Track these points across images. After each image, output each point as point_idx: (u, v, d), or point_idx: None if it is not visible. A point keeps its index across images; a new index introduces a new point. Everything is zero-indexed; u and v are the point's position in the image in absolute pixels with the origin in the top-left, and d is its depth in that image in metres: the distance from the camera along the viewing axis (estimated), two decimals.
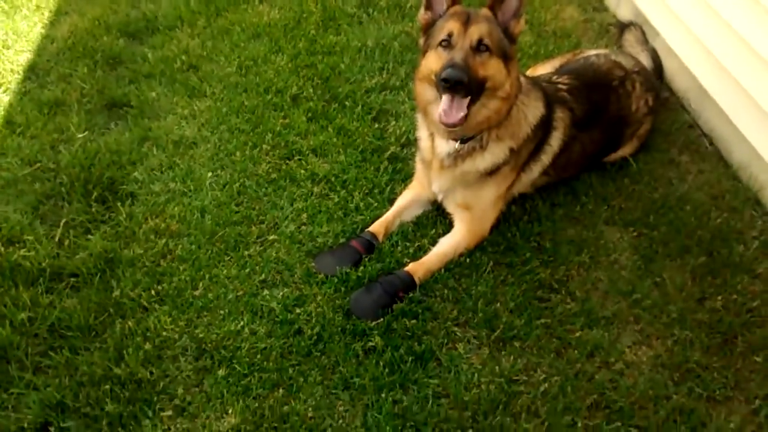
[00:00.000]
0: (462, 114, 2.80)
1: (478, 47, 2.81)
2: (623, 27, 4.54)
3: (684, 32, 4.17)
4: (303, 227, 3.27)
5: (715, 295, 3.03)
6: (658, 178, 3.63)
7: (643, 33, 4.42)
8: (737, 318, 2.93)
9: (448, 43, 2.84)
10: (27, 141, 3.73)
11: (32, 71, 4.31)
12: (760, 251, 3.25)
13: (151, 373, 2.64)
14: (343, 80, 4.23)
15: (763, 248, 3.27)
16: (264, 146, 3.72)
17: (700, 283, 3.09)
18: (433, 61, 2.89)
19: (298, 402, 2.56)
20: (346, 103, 4.04)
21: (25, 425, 2.44)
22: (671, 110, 4.15)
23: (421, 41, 3.05)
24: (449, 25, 2.85)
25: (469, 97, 2.81)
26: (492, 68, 2.83)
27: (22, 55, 4.44)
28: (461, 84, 2.72)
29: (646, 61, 4.14)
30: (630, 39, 4.41)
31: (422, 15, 3.03)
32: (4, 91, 4.11)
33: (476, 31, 2.80)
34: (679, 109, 4.17)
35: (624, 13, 4.90)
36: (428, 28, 2.99)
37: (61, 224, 3.23)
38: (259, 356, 2.70)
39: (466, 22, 2.82)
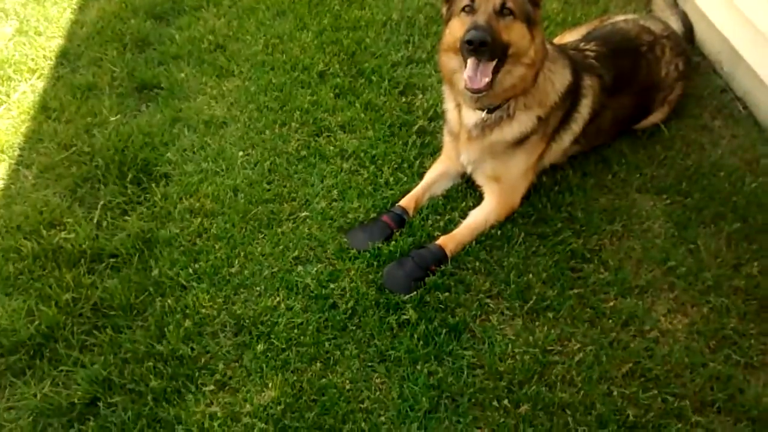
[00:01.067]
0: (487, 79, 2.78)
1: (502, 11, 2.78)
2: None
3: None
4: (334, 203, 3.30)
5: (751, 261, 3.01)
6: (691, 144, 3.58)
7: None
8: None
9: (470, 8, 2.82)
10: (62, 126, 3.79)
11: (64, 56, 4.37)
12: None
13: (192, 349, 2.71)
14: (369, 55, 4.22)
15: None
16: (293, 124, 3.75)
17: (735, 250, 3.06)
18: (456, 28, 2.87)
19: (336, 375, 2.61)
20: (373, 78, 4.04)
21: (76, 401, 2.53)
22: (703, 74, 4.08)
23: (444, 10, 3.03)
24: None
25: (494, 62, 2.79)
26: (516, 32, 2.81)
27: (53, 41, 4.50)
28: (485, 45, 2.69)
29: (676, 24, 4.07)
30: (659, 3, 4.34)
31: None
32: (38, 77, 4.18)
33: None
34: (710, 73, 4.10)
35: None
36: None
37: (99, 206, 3.30)
38: (296, 331, 2.76)
39: None
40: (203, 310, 2.84)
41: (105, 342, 2.73)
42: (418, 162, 3.49)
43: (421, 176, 3.39)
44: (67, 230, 3.16)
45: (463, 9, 2.85)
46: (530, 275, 2.95)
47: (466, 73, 2.82)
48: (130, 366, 2.65)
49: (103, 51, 4.36)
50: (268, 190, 3.38)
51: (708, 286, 2.92)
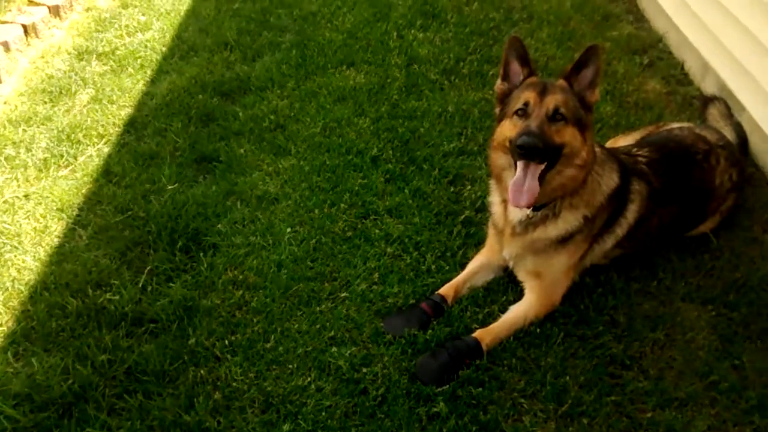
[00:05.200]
0: (533, 194, 2.81)
1: (554, 116, 2.84)
2: (707, 100, 4.48)
3: None
4: (374, 286, 3.32)
5: None
6: (740, 256, 3.51)
7: (728, 107, 4.35)
8: None
9: (524, 112, 2.89)
10: (121, 190, 3.96)
11: (131, 125, 4.60)
12: None
13: (219, 422, 2.71)
14: (422, 144, 4.32)
15: None
16: (342, 205, 3.82)
17: None
18: (507, 129, 2.94)
19: None
20: (424, 166, 4.12)
21: None
22: (756, 186, 4.03)
23: (497, 110, 3.11)
24: (526, 95, 2.90)
25: (544, 165, 2.83)
26: (568, 135, 2.86)
27: (123, 110, 4.74)
28: (537, 150, 2.74)
29: (730, 135, 4.06)
30: (714, 113, 4.34)
31: (499, 85, 3.10)
32: (105, 143, 4.40)
33: (552, 101, 2.84)
34: (764, 186, 4.05)
35: (709, 87, 4.83)
36: (504, 98, 3.06)
37: (146, 271, 3.39)
38: (323, 414, 2.74)
39: (543, 92, 2.87)
40: (234, 384, 2.85)
41: (134, 407, 2.75)
42: (461, 252, 3.51)
43: (463, 266, 3.39)
44: (113, 292, 3.26)
45: (516, 112, 2.92)
46: (567, 377, 2.89)
47: (513, 179, 2.86)
48: None
49: (169, 122, 4.57)
50: (311, 268, 3.43)
51: (752, 405, 2.81)
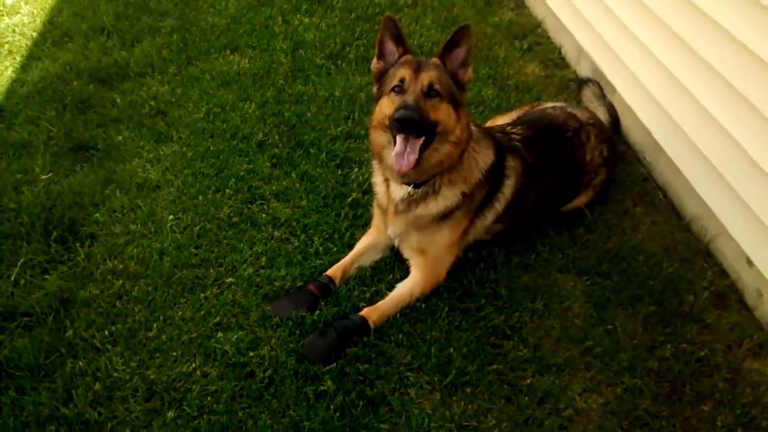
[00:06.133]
0: (414, 157, 2.87)
1: (429, 92, 2.91)
2: (582, 83, 4.69)
3: (639, 89, 4.32)
4: (261, 271, 3.29)
5: (665, 344, 3.09)
6: (612, 228, 3.71)
7: (601, 89, 4.57)
8: (686, 367, 2.99)
9: (400, 89, 2.95)
10: None
11: (0, 114, 4.35)
12: (709, 301, 3.33)
13: (100, 413, 2.63)
14: (309, 128, 4.31)
15: (713, 298, 3.35)
16: (227, 191, 3.77)
17: (651, 332, 3.15)
18: (386, 106, 2.98)
19: None
20: (311, 150, 4.11)
21: None
22: (627, 163, 4.27)
23: (375, 89, 3.15)
24: (401, 72, 2.96)
25: (422, 140, 2.89)
26: (442, 112, 2.93)
27: None
28: (414, 123, 2.80)
29: (603, 115, 4.28)
30: (588, 94, 4.56)
31: (375, 64, 3.15)
32: None
33: (426, 77, 2.91)
34: (634, 162, 4.29)
35: (583, 70, 5.07)
36: (381, 77, 3.11)
37: (19, 264, 3.24)
38: (209, 398, 2.70)
39: (417, 69, 2.94)
40: (115, 374, 2.77)
41: (6, 404, 2.64)
42: (349, 233, 3.53)
43: (351, 248, 3.42)
44: None
45: (393, 89, 2.97)
46: (451, 349, 2.97)
47: (395, 151, 2.91)
48: (30, 430, 2.55)
49: (42, 110, 4.36)
50: (196, 254, 3.37)
51: (623, 367, 2.98)
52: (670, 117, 3.95)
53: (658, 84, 4.11)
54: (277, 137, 4.22)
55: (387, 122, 2.95)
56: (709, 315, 3.25)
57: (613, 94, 4.63)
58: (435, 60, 3.02)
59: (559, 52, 5.45)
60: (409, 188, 3.11)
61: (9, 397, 2.65)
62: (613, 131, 4.25)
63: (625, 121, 4.49)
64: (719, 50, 3.48)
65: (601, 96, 4.52)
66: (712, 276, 3.48)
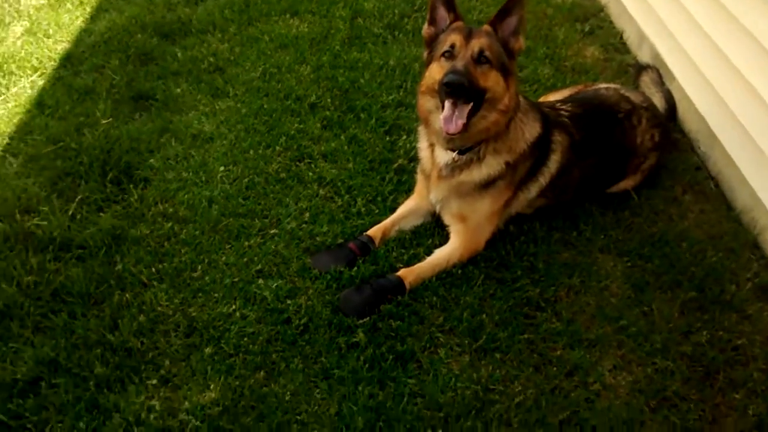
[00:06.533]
0: (462, 121, 2.90)
1: (479, 58, 2.93)
2: (641, 68, 4.63)
3: (698, 78, 4.24)
4: (304, 225, 3.38)
5: (701, 330, 3.06)
6: (659, 213, 3.68)
7: (660, 75, 4.51)
8: (721, 354, 2.96)
9: (450, 54, 2.97)
10: (54, 122, 3.92)
11: (68, 60, 4.53)
12: (752, 293, 3.27)
13: (142, 343, 2.76)
14: (362, 94, 4.36)
15: (756, 290, 3.29)
16: (277, 147, 3.86)
17: (688, 317, 3.12)
18: (436, 71, 3.01)
19: (278, 385, 2.66)
20: (362, 115, 4.17)
21: (19, 377, 2.59)
22: (681, 151, 4.21)
23: (425, 54, 3.18)
24: (452, 38, 2.98)
25: (470, 105, 2.91)
26: (492, 80, 2.95)
27: (60, 45, 4.66)
28: (462, 88, 2.83)
29: (660, 102, 4.22)
30: (646, 80, 4.50)
31: (426, 29, 3.18)
32: (40, 76, 4.32)
33: (477, 44, 2.93)
34: (688, 150, 4.23)
35: (644, 56, 4.99)
36: (431, 42, 3.14)
37: (76, 200, 3.39)
38: (246, 339, 2.81)
39: (468, 35, 2.96)
40: (159, 308, 2.90)
41: (58, 326, 2.79)
42: (392, 197, 3.58)
43: (393, 211, 3.47)
44: (41, 217, 3.25)
45: (443, 54, 3.00)
46: (484, 315, 3.00)
47: (443, 114, 2.94)
48: (78, 351, 2.70)
49: (107, 60, 4.52)
50: (243, 205, 3.47)
51: (656, 348, 2.97)
52: (728, 107, 3.87)
53: (717, 74, 4.03)
54: (329, 100, 4.28)
55: (436, 87, 2.98)
56: (750, 306, 3.20)
57: (672, 81, 4.56)
58: (486, 27, 3.02)
59: (621, 37, 5.37)
60: (454, 154, 3.14)
61: (62, 320, 2.80)
62: (669, 118, 4.20)
63: (682, 110, 4.42)
64: None
65: (660, 83, 4.46)
66: (758, 268, 3.41)
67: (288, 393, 2.63)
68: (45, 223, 3.21)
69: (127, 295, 2.93)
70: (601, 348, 2.96)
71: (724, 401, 2.80)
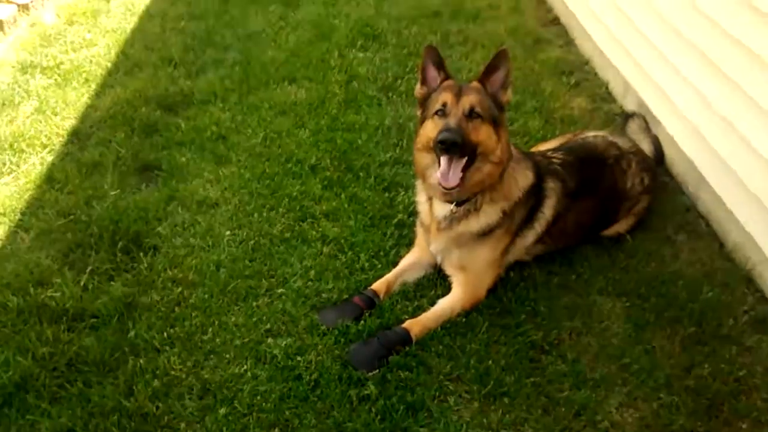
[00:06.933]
0: (458, 176, 3.04)
1: (470, 114, 3.09)
2: (627, 116, 4.79)
3: (683, 122, 4.39)
4: (310, 283, 3.47)
5: (703, 363, 3.11)
6: (653, 254, 3.77)
7: (646, 122, 4.67)
8: (724, 386, 3.01)
9: (443, 112, 3.13)
10: (64, 196, 4.05)
11: (75, 136, 4.70)
12: (749, 325, 3.35)
13: (158, 408, 2.81)
14: (360, 154, 4.51)
15: (753, 323, 3.36)
16: (280, 209, 3.98)
17: (689, 352, 3.18)
18: (430, 129, 3.16)
19: None
20: (360, 174, 4.31)
21: None
22: (670, 193, 4.33)
23: (419, 113, 3.35)
24: (443, 97, 3.14)
25: (465, 159, 3.06)
26: (484, 133, 3.10)
27: (67, 122, 4.83)
28: (456, 144, 2.97)
29: (647, 147, 4.38)
30: (633, 127, 4.65)
31: (418, 90, 3.36)
32: (48, 152, 4.48)
33: (467, 101, 3.09)
34: (677, 193, 4.35)
35: (629, 104, 5.16)
36: (424, 101, 3.31)
37: (87, 271, 3.48)
38: (258, 398, 2.86)
39: (459, 93, 3.13)
40: (172, 372, 2.96)
41: (74, 395, 2.84)
42: (394, 251, 3.69)
43: (395, 265, 3.56)
44: (54, 289, 3.34)
45: (436, 112, 3.17)
46: (490, 362, 3.07)
47: (440, 170, 3.08)
48: (95, 419, 2.75)
49: (113, 134, 4.68)
50: (249, 267, 3.57)
51: (660, 383, 3.02)
52: (713, 149, 4.01)
53: (702, 117, 4.18)
54: (328, 161, 4.43)
55: (431, 144, 3.12)
56: (749, 338, 3.27)
57: (658, 126, 4.72)
58: (475, 84, 3.20)
59: (606, 88, 5.56)
60: (452, 206, 3.26)
61: (77, 389, 2.86)
62: (657, 162, 4.34)
63: (670, 154, 4.56)
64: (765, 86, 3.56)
65: (646, 129, 4.62)
66: (753, 301, 3.50)
67: None
68: (58, 294, 3.30)
69: (140, 361, 2.99)
70: (606, 387, 3.01)
71: (730, 431, 2.85)
